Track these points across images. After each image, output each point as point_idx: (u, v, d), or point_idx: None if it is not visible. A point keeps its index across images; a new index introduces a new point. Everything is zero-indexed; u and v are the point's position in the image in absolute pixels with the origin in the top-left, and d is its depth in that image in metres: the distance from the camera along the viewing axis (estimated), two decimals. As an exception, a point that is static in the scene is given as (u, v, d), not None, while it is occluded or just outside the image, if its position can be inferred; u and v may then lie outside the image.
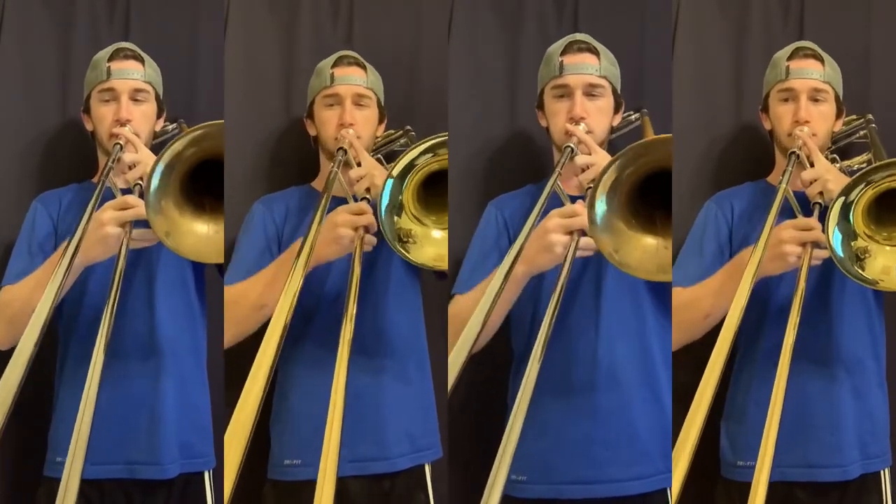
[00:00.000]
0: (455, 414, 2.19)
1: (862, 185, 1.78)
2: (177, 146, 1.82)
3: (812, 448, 1.92)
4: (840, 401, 1.94)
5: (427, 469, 2.05)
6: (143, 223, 1.83)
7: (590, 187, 1.81)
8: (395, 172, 1.84)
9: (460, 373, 1.56)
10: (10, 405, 1.58)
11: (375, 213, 1.85)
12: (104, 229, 1.81)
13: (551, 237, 1.75)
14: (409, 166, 1.85)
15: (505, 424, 1.99)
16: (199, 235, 1.87)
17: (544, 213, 1.79)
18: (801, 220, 1.83)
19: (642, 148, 1.74)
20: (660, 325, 1.96)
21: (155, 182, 1.81)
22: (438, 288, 2.12)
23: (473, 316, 1.60)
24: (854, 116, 2.19)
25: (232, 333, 1.97)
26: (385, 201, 1.84)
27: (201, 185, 1.87)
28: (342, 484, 1.93)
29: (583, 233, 1.75)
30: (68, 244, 1.77)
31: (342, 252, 1.86)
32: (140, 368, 1.98)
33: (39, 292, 1.72)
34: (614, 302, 1.94)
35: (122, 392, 1.92)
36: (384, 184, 1.84)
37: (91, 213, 1.80)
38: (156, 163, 1.81)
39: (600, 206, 1.72)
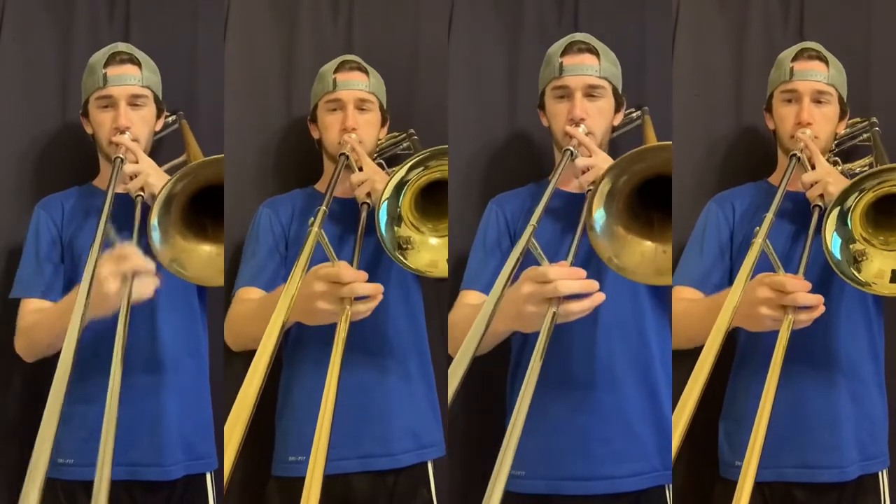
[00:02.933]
0: (455, 412, 2.20)
1: (856, 193, 1.77)
2: (169, 185, 1.81)
3: (810, 449, 1.92)
4: (838, 401, 1.94)
5: (430, 466, 2.06)
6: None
7: (590, 189, 1.82)
8: (386, 194, 1.83)
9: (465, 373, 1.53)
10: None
11: (375, 224, 1.86)
12: (105, 287, 1.74)
13: (527, 308, 1.57)
14: (401, 184, 1.85)
15: (505, 422, 2.02)
16: (203, 259, 1.88)
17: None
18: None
19: (638, 155, 1.74)
20: (658, 323, 1.96)
21: (155, 223, 1.81)
22: (439, 288, 2.12)
23: (476, 321, 1.57)
24: (858, 119, 2.19)
25: (240, 343, 2.00)
26: (383, 218, 1.84)
27: (202, 208, 1.87)
28: (346, 480, 1.98)
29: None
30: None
31: (325, 321, 1.73)
32: (142, 372, 1.98)
33: (58, 325, 1.72)
34: (613, 299, 1.92)
35: (124, 395, 1.90)
36: (378, 205, 1.83)
37: (101, 242, 1.77)
38: (152, 210, 1.81)
39: (599, 215, 1.71)
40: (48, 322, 1.93)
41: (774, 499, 1.93)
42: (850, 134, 2.17)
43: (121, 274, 1.75)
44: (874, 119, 2.18)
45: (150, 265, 1.77)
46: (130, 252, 1.77)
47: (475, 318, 1.65)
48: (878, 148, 2.07)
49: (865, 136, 2.16)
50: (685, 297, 1.96)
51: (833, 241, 1.77)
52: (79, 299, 1.67)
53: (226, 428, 1.52)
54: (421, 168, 1.86)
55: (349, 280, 1.69)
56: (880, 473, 1.97)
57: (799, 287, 1.64)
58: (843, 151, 2.20)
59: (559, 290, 1.54)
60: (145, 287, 1.77)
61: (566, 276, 1.55)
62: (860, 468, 1.94)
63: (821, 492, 1.93)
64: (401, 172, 1.85)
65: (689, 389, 1.50)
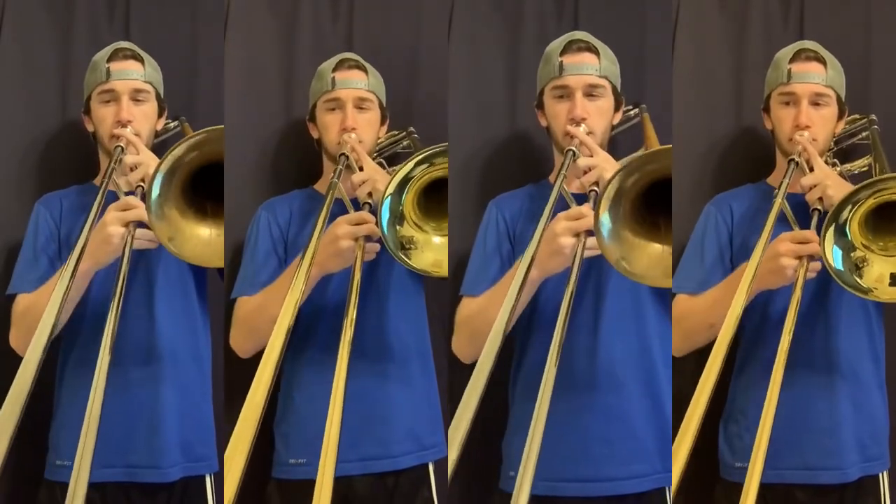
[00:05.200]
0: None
1: (850, 207, 1.78)
2: (177, 152, 1.82)
3: (811, 450, 1.93)
4: (839, 403, 1.94)
5: (431, 468, 2.06)
6: (146, 224, 1.84)
7: (593, 190, 1.82)
8: (390, 190, 1.85)
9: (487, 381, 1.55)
10: (20, 411, 1.58)
11: (376, 221, 1.86)
12: (107, 230, 1.82)
13: (560, 241, 1.75)
14: (406, 179, 1.86)
15: (506, 423, 2.02)
16: (202, 239, 1.88)
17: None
18: (798, 232, 1.82)
19: (644, 159, 1.74)
20: (660, 326, 1.97)
21: (156, 190, 1.81)
22: (441, 290, 2.12)
23: (494, 328, 1.59)
24: (857, 115, 2.18)
25: (252, 345, 1.99)
26: (385, 215, 1.84)
27: (203, 188, 1.87)
28: (348, 482, 1.98)
29: (589, 232, 1.76)
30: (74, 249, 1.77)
31: (346, 263, 1.87)
32: (140, 372, 1.98)
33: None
34: (615, 301, 1.94)
35: (122, 396, 1.92)
36: (381, 202, 1.84)
37: (94, 218, 1.80)
38: (156, 170, 1.81)
39: (605, 220, 1.72)
40: (42, 301, 1.89)
41: (775, 500, 1.93)
42: (849, 131, 2.16)
43: (125, 221, 1.82)
44: (873, 116, 2.17)
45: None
46: (135, 203, 1.84)
47: (483, 316, 1.77)
48: (877, 148, 2.06)
49: (864, 134, 2.15)
50: (685, 304, 1.97)
51: (834, 254, 1.78)
52: (62, 278, 1.70)
53: (230, 443, 1.55)
54: (427, 164, 1.87)
55: (367, 220, 1.86)
56: (881, 475, 1.97)
57: (813, 238, 1.75)
58: (842, 150, 2.20)
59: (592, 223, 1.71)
60: (145, 235, 1.81)
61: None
62: (861, 470, 1.94)
63: (821, 493, 1.93)
64: (406, 168, 1.85)
65: (694, 404, 1.51)
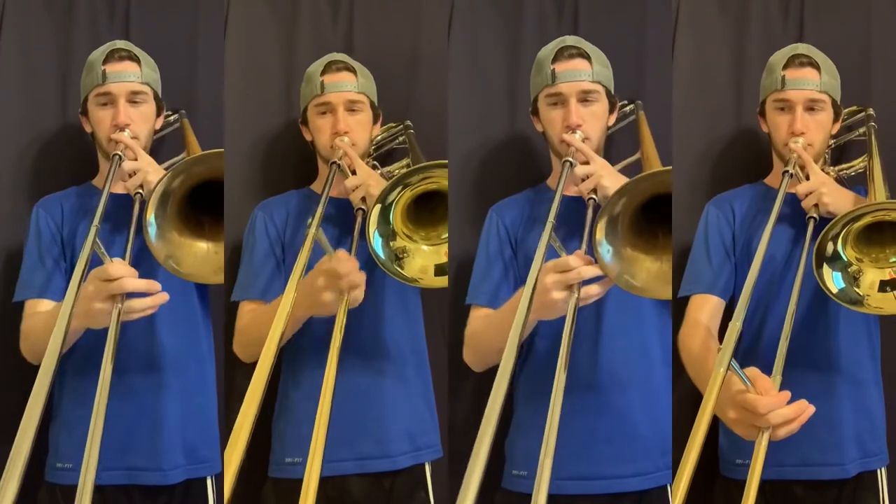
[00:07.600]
0: (456, 414, 2.19)
1: (830, 244, 1.78)
2: (166, 181, 1.81)
3: (810, 446, 1.92)
4: (838, 400, 1.94)
5: (427, 468, 2.06)
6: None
7: (591, 197, 1.82)
8: (373, 226, 1.86)
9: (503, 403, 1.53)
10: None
11: (365, 226, 1.86)
12: (91, 305, 1.72)
13: (552, 296, 1.66)
14: (387, 207, 1.87)
15: (507, 423, 2.02)
16: (199, 256, 1.87)
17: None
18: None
19: (639, 181, 1.73)
20: (660, 325, 1.97)
21: (151, 219, 1.81)
22: (438, 291, 2.12)
23: (498, 378, 1.53)
24: (855, 107, 2.19)
25: (254, 351, 1.98)
26: (377, 241, 1.86)
27: (200, 204, 1.87)
28: (343, 483, 1.98)
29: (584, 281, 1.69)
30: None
31: (329, 312, 1.82)
32: (143, 375, 1.97)
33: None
34: (616, 301, 1.93)
35: (124, 399, 1.91)
36: (370, 234, 1.85)
37: (97, 226, 1.76)
38: (149, 203, 1.80)
39: (604, 243, 1.71)
40: (46, 326, 1.90)
41: (775, 496, 1.94)
42: (846, 123, 2.17)
43: (108, 294, 1.71)
44: (871, 111, 2.18)
45: (142, 284, 1.73)
46: (118, 272, 1.72)
47: (485, 339, 1.85)
48: (872, 147, 2.05)
49: (861, 130, 2.16)
50: (709, 304, 1.96)
51: (834, 279, 1.79)
52: (66, 301, 1.64)
53: (229, 443, 1.53)
54: (401, 187, 1.87)
55: (345, 272, 1.78)
56: (879, 471, 1.98)
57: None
58: (839, 147, 2.21)
59: (582, 275, 1.66)
60: (141, 304, 1.75)
61: (585, 263, 1.67)
62: (860, 465, 1.94)
63: (821, 489, 1.94)
64: (377, 207, 1.86)
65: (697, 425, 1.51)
